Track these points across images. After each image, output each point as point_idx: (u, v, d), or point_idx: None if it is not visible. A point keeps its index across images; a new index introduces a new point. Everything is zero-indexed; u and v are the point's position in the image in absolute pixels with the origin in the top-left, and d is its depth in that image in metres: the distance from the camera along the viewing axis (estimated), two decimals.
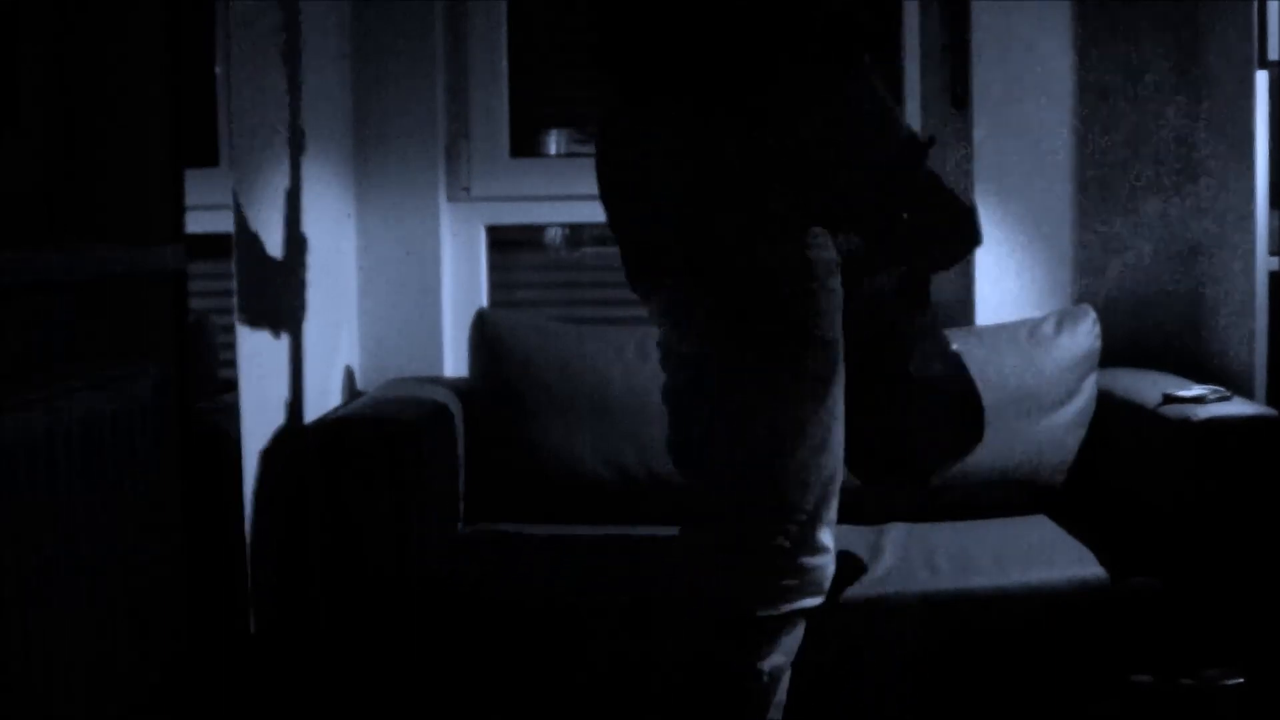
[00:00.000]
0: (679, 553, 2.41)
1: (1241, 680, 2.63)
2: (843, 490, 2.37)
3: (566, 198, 3.54)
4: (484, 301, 3.60)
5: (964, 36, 3.46)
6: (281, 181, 2.92)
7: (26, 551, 1.70)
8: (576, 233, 3.70)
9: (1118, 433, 3.12)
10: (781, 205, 2.25)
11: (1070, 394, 3.21)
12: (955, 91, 3.51)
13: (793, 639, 2.34)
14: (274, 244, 2.86)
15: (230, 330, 2.65)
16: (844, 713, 2.69)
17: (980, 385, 3.20)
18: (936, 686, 2.72)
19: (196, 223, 2.40)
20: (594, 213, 3.56)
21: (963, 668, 2.72)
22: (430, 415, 2.96)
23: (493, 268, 3.65)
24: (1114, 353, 3.32)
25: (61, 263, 1.93)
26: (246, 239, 2.72)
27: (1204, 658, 2.67)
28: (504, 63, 3.59)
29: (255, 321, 2.74)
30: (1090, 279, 3.47)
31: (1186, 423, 2.74)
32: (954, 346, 2.60)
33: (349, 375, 3.42)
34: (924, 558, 2.80)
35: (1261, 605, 2.69)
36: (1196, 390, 2.85)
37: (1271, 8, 3.03)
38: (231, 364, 2.65)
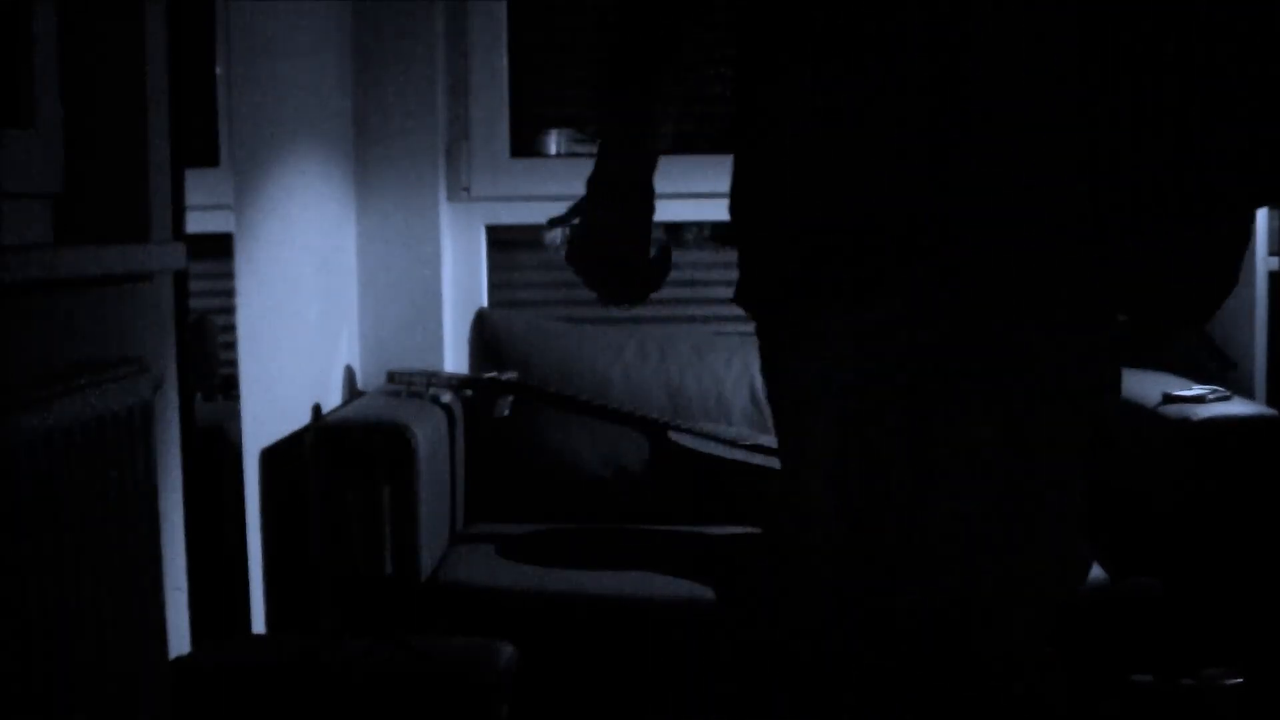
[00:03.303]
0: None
1: (1241, 680, 2.63)
2: None
3: (566, 198, 3.52)
4: (484, 301, 3.60)
5: None
6: (282, 181, 2.92)
7: (25, 551, 1.70)
8: None
9: (1117, 432, 3.12)
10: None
11: None
12: None
13: None
14: (274, 244, 2.85)
15: (231, 330, 2.64)
16: (846, 713, 2.69)
17: None
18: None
19: (197, 222, 2.40)
20: None
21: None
22: (430, 415, 2.96)
23: (493, 268, 3.65)
24: None
25: (62, 262, 1.93)
26: (247, 239, 2.72)
27: (1204, 658, 2.67)
28: (504, 63, 3.59)
29: (255, 321, 2.74)
30: None
31: (1186, 422, 2.74)
32: None
33: (349, 375, 3.42)
34: None
35: (1261, 605, 2.69)
36: (1196, 390, 2.85)
37: None
38: (232, 364, 2.65)
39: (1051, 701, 2.05)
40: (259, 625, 2.81)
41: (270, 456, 2.82)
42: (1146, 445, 2.93)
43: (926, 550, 1.62)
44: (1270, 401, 3.02)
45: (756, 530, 3.04)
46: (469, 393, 3.10)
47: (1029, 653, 1.72)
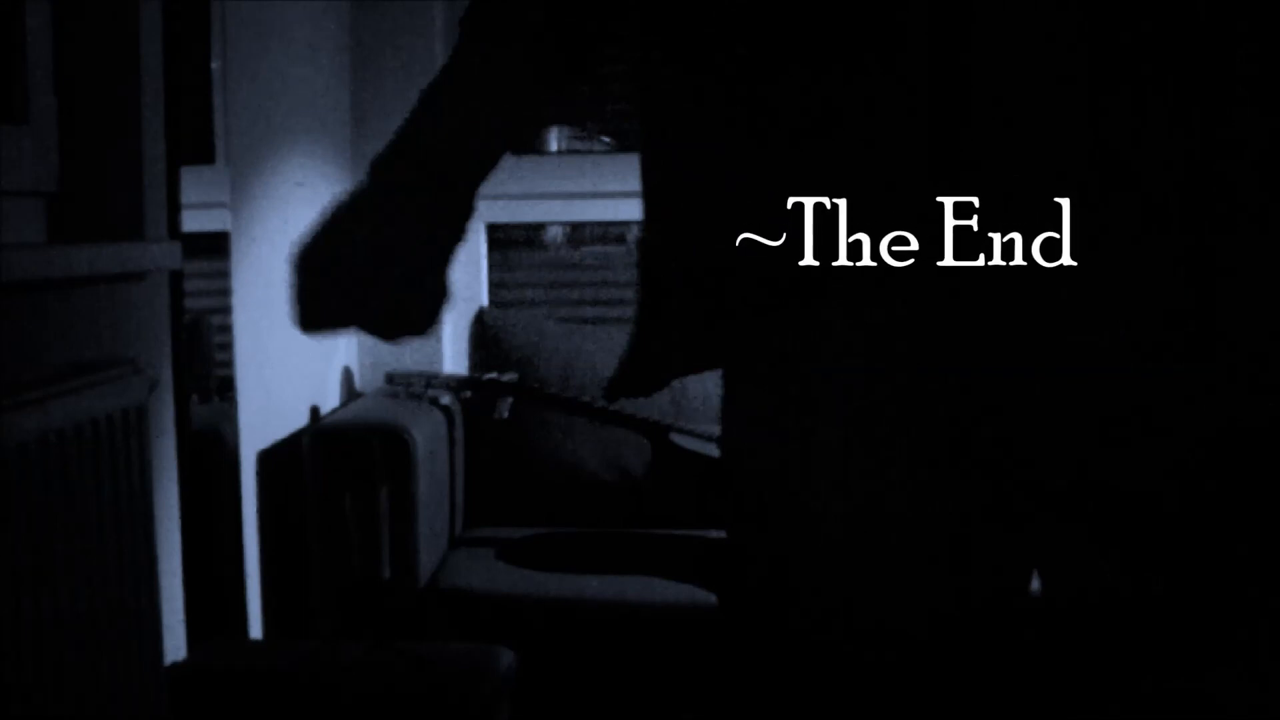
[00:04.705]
0: None
1: (1240, 680, 2.61)
2: None
3: (567, 196, 3.51)
4: (484, 301, 3.58)
5: None
6: (279, 179, 2.90)
7: (20, 553, 1.68)
8: (576, 232, 3.68)
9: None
10: None
11: None
12: None
13: None
14: (271, 243, 2.83)
15: (227, 330, 2.62)
16: (847, 713, 2.67)
17: None
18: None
19: (193, 221, 2.38)
20: (594, 211, 3.58)
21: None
22: (429, 417, 2.93)
23: (493, 267, 3.63)
24: None
25: (55, 261, 1.91)
26: (243, 238, 2.70)
27: (1204, 658, 2.64)
28: None
29: (252, 322, 2.72)
30: None
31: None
32: None
33: (347, 376, 3.40)
34: None
35: (1262, 605, 2.67)
36: None
37: None
38: (228, 364, 2.63)
39: (1053, 701, 2.06)
40: (255, 630, 2.79)
41: (267, 459, 2.80)
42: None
43: (927, 550, 1.63)
44: None
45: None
46: (468, 394, 3.07)
47: (1029, 653, 1.72)
